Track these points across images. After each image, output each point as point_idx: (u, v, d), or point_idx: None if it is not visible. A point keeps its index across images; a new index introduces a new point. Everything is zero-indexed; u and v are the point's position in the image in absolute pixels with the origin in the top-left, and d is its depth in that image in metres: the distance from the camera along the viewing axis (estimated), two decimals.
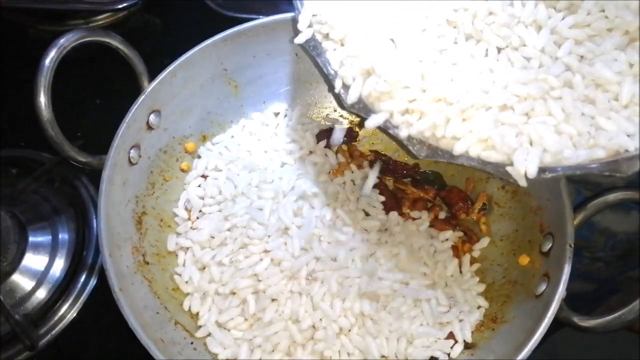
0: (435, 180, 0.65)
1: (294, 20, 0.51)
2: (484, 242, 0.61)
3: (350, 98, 0.47)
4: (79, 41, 0.53)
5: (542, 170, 0.42)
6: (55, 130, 0.53)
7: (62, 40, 0.52)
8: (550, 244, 0.54)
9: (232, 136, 0.67)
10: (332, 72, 0.49)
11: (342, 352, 0.53)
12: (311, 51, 0.50)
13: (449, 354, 0.54)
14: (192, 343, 0.53)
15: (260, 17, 0.64)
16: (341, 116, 0.69)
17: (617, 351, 0.59)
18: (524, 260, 0.57)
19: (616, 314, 0.50)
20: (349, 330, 0.53)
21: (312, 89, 0.69)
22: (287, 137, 0.66)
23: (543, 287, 0.52)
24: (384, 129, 0.47)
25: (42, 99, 0.52)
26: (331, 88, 0.50)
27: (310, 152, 0.65)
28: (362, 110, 0.47)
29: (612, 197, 0.54)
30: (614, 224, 0.67)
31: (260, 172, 0.62)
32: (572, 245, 0.51)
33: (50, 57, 0.51)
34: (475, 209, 0.63)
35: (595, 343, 0.59)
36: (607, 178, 0.67)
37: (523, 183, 0.42)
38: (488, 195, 0.63)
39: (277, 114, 0.68)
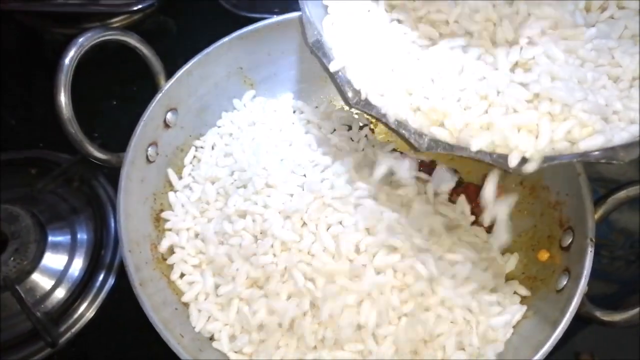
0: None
1: (301, 21, 0.52)
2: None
3: (355, 98, 0.48)
4: (98, 40, 0.54)
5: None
6: (75, 128, 0.54)
7: (81, 40, 0.53)
8: (571, 239, 0.54)
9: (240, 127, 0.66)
10: (335, 70, 0.49)
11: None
12: (317, 51, 0.50)
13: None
14: (210, 339, 0.54)
15: (273, 16, 0.64)
16: (356, 114, 0.69)
17: None
18: (544, 255, 0.56)
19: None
20: None
21: (326, 86, 0.69)
22: (302, 132, 0.65)
23: (564, 281, 0.52)
24: (385, 122, 0.47)
25: (63, 98, 0.52)
26: (337, 86, 0.50)
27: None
28: (365, 107, 0.48)
29: (633, 190, 0.53)
30: (632, 222, 0.67)
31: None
32: (593, 240, 0.51)
33: (70, 56, 0.52)
34: None
35: (621, 342, 0.58)
36: (624, 174, 0.68)
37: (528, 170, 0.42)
38: (505, 191, 0.63)
39: (294, 111, 0.68)
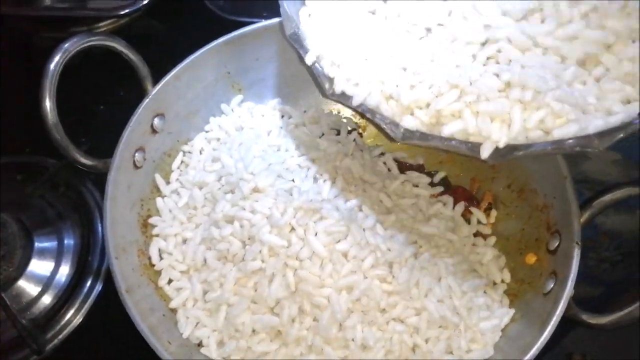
0: (440, 181, 0.65)
1: (280, 24, 0.52)
2: (491, 241, 0.60)
3: (335, 88, 0.48)
4: (83, 45, 0.54)
5: (514, 148, 0.42)
6: (60, 133, 0.54)
7: (66, 45, 0.52)
8: (558, 242, 0.54)
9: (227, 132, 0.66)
10: (311, 62, 0.50)
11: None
12: (294, 43, 0.51)
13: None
14: (199, 345, 0.53)
15: (262, 20, 0.64)
16: (345, 118, 0.69)
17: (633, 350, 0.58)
18: (531, 259, 0.57)
19: (626, 311, 0.49)
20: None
21: (314, 90, 0.67)
22: (291, 137, 0.65)
23: (551, 285, 0.52)
24: (361, 112, 0.47)
25: (48, 103, 0.52)
26: (314, 78, 0.50)
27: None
28: (341, 97, 0.48)
29: (619, 193, 0.54)
30: (618, 224, 0.67)
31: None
32: (580, 243, 0.51)
33: (55, 62, 0.52)
34: (481, 209, 0.62)
35: (613, 343, 0.58)
36: (609, 175, 0.68)
37: (490, 158, 0.42)
38: (493, 194, 0.63)
39: (282, 116, 0.68)
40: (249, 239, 0.54)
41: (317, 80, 0.50)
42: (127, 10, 0.73)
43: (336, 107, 0.70)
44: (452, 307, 0.53)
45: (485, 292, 0.56)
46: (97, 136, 0.71)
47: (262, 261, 0.52)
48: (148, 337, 0.48)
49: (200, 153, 0.64)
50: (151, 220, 0.59)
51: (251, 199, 0.56)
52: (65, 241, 0.64)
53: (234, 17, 0.76)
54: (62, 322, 0.60)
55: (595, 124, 0.40)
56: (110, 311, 0.58)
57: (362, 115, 0.48)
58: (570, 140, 0.40)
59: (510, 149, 0.42)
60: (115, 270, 0.50)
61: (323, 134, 0.66)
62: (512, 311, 0.55)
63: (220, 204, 0.57)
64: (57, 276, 0.62)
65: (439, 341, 0.52)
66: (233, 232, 0.54)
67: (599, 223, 0.66)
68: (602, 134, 0.39)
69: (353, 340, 0.51)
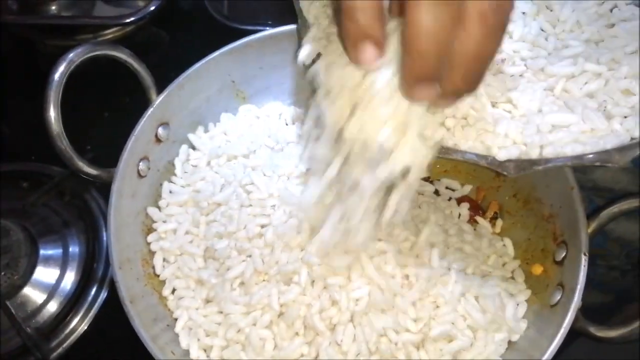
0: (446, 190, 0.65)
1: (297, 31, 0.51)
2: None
3: None
4: (88, 55, 0.54)
5: (534, 162, 0.41)
6: (64, 143, 0.54)
7: (71, 55, 0.52)
8: (564, 253, 0.53)
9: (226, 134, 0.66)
10: None
11: None
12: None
13: None
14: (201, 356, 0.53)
15: (267, 28, 0.64)
16: None
17: None
18: (538, 269, 0.56)
19: (634, 325, 0.49)
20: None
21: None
22: (295, 144, 0.64)
23: (558, 296, 0.51)
24: None
25: (52, 113, 0.52)
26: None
27: None
28: None
29: (626, 204, 0.53)
30: (628, 232, 0.66)
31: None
32: (587, 254, 0.50)
33: (60, 72, 0.52)
34: (486, 218, 0.62)
35: (620, 351, 0.57)
36: (618, 183, 0.68)
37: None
38: (499, 203, 0.63)
39: (286, 124, 0.68)
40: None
41: None
42: (132, 19, 0.74)
43: None
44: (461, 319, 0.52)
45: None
46: (102, 144, 0.71)
47: (265, 273, 0.52)
48: (151, 349, 0.47)
49: (205, 162, 0.64)
50: (155, 226, 0.59)
51: (256, 207, 0.56)
52: (71, 249, 0.64)
53: (239, 26, 0.76)
54: (67, 330, 0.60)
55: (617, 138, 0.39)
56: (115, 318, 0.58)
57: None
58: (590, 155, 0.39)
59: (530, 163, 0.41)
60: (118, 282, 0.50)
61: None
62: (522, 325, 0.53)
63: (223, 214, 0.56)
64: (62, 284, 0.62)
65: (445, 354, 0.51)
66: (236, 243, 0.54)
67: (608, 231, 0.65)
68: (622, 149, 0.39)
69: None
